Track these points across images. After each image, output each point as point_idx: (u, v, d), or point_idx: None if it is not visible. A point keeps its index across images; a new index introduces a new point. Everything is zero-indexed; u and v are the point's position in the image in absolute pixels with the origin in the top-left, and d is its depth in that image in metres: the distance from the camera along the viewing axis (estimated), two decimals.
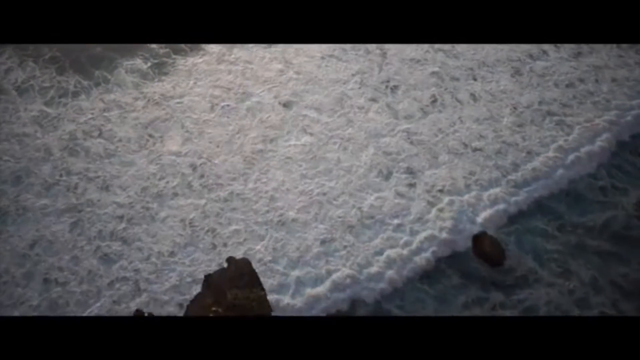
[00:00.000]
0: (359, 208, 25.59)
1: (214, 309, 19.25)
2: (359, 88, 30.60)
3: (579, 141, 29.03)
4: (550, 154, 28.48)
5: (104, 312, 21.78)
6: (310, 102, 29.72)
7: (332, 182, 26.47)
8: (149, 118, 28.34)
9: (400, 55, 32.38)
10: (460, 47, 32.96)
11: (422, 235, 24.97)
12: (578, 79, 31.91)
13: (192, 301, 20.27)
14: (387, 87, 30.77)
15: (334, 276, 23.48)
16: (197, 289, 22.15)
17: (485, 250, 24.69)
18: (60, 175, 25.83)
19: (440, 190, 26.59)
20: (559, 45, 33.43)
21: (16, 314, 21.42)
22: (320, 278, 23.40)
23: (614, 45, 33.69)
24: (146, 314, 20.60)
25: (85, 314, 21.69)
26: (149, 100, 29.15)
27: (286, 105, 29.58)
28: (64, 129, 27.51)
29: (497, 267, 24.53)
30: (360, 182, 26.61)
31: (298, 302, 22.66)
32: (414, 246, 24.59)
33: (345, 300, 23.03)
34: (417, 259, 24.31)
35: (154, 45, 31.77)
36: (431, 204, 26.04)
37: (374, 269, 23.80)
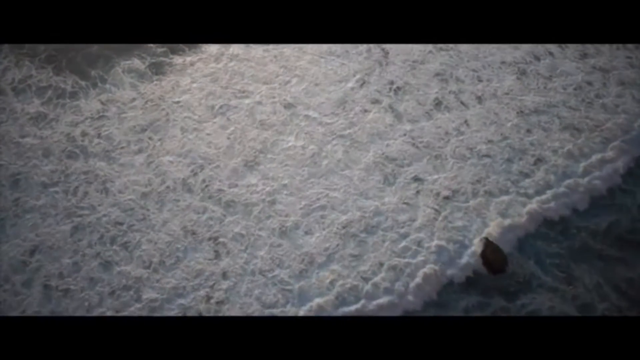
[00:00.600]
0: (363, 215, 25.68)
1: None
2: (361, 89, 30.69)
3: (590, 147, 29.01)
4: (560, 161, 28.41)
5: None
6: (311, 104, 29.86)
7: (334, 188, 26.61)
8: (148, 120, 28.57)
9: (403, 56, 32.45)
10: (464, 48, 33.02)
11: (428, 244, 25.05)
12: (585, 82, 31.86)
13: None
14: (390, 88, 30.83)
15: (338, 286, 23.64)
16: (198, 296, 22.67)
17: (487, 258, 24.77)
18: (59, 179, 26.07)
19: (447, 198, 26.65)
20: (564, 46, 33.51)
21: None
22: (324, 288, 23.56)
23: (621, 46, 33.80)
24: None
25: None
26: (147, 101, 29.36)
27: (286, 106, 29.69)
28: (62, 131, 27.76)
29: (500, 274, 24.63)
30: (363, 187, 26.70)
31: (302, 313, 22.82)
32: (420, 257, 24.63)
33: (351, 313, 23.10)
34: (423, 270, 24.32)
35: (151, 45, 31.97)
36: (437, 212, 26.09)
37: (378, 280, 23.88)
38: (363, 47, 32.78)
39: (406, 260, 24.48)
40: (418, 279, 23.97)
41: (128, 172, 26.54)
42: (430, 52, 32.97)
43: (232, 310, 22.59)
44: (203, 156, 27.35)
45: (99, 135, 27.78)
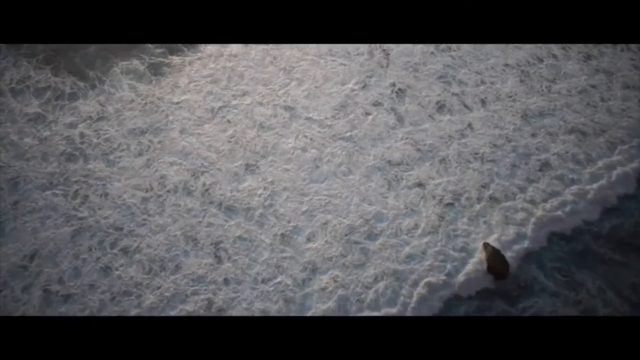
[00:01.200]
0: (366, 221, 25.90)
1: None
2: (362, 92, 30.84)
3: (597, 152, 29.16)
4: (569, 164, 28.56)
5: None
6: (311, 106, 30.05)
7: (336, 193, 26.85)
8: (147, 121, 28.81)
9: (404, 58, 32.61)
10: (467, 50, 33.15)
11: (432, 250, 25.26)
12: (590, 85, 32.00)
13: None
14: (392, 90, 30.99)
15: (341, 295, 23.86)
16: (199, 302, 23.04)
17: (489, 263, 24.94)
18: (59, 182, 26.34)
19: (450, 204, 26.83)
20: (567, 48, 33.66)
21: None
22: (325, 297, 23.78)
23: (625, 48, 33.98)
24: None
25: None
26: (146, 103, 29.56)
27: (286, 109, 29.88)
28: (61, 133, 28.02)
29: (501, 280, 24.85)
30: (365, 192, 26.90)
31: None
32: (423, 265, 24.80)
33: None
34: (427, 280, 24.46)
35: (149, 45, 32.11)
36: (441, 218, 26.27)
37: (381, 289, 24.10)
38: (364, 48, 32.87)
39: (410, 267, 24.72)
40: (421, 289, 24.22)
41: (128, 175, 26.80)
42: (432, 53, 33.09)
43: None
44: (203, 159, 27.56)
45: (98, 138, 28.01)
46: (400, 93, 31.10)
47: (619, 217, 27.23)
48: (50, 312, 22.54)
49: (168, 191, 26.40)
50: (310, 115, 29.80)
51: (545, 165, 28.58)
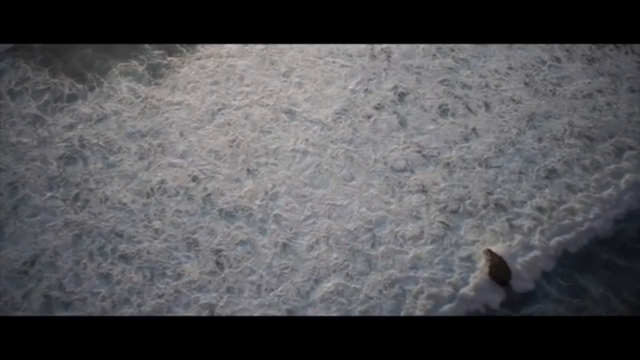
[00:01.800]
0: (369, 229, 26.09)
1: None
2: (364, 94, 30.87)
3: (605, 158, 29.22)
4: (576, 170, 28.63)
5: None
6: (312, 109, 30.12)
7: (338, 199, 27.00)
8: (147, 124, 28.95)
9: (406, 60, 32.62)
10: (469, 53, 33.14)
11: (437, 259, 25.43)
12: (595, 90, 31.98)
13: None
14: (394, 93, 31.03)
15: (344, 305, 24.04)
16: (201, 312, 23.30)
17: (491, 270, 25.12)
18: (59, 187, 26.53)
19: (455, 211, 26.95)
20: (570, 51, 33.67)
21: None
22: (330, 308, 23.99)
23: (629, 51, 34.01)
24: None
25: None
26: (145, 106, 29.67)
27: (287, 112, 29.95)
28: (61, 136, 28.18)
29: (504, 287, 25.01)
30: (368, 199, 27.04)
31: None
32: (428, 276, 24.91)
33: None
34: (431, 291, 24.59)
35: (147, 46, 32.11)
36: (445, 226, 26.41)
37: (385, 300, 24.26)
38: (365, 50, 32.87)
39: (413, 277, 24.90)
40: (425, 301, 24.37)
41: (128, 179, 27.01)
42: (434, 55, 33.05)
43: None
44: (204, 163, 27.75)
45: (97, 140, 28.19)
46: (403, 96, 31.12)
47: (622, 221, 27.32)
48: None
49: (169, 196, 26.60)
50: (311, 118, 29.87)
51: (551, 172, 28.66)
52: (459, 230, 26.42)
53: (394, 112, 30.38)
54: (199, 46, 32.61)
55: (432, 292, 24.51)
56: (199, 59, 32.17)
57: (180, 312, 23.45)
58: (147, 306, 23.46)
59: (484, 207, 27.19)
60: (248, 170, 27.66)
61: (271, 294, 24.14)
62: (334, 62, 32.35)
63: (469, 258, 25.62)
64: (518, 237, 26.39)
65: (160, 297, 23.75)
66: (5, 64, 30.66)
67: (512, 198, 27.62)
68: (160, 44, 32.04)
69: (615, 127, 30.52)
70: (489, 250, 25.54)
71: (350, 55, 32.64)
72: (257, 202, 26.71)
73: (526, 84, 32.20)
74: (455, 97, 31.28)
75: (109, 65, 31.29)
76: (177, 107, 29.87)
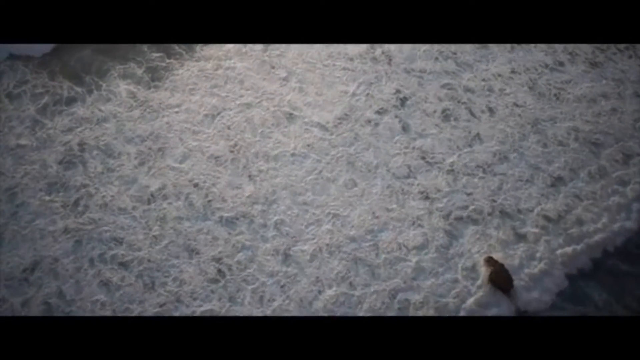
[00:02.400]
0: (371, 238, 26.14)
1: None
2: (365, 99, 30.90)
3: (611, 164, 29.25)
4: (582, 177, 28.65)
5: None
6: (313, 114, 30.14)
7: (340, 206, 27.03)
8: (148, 130, 28.97)
9: (408, 64, 32.70)
10: (471, 57, 33.27)
11: (440, 269, 25.51)
12: (600, 94, 32.09)
13: None
14: (396, 98, 31.06)
15: (346, 314, 24.01)
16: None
17: (492, 278, 25.18)
18: (58, 192, 26.58)
19: (459, 218, 26.99)
20: (574, 54, 33.84)
21: None
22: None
23: (632, 55, 34.21)
24: None
25: None
26: (145, 110, 29.71)
27: (288, 115, 30.00)
28: (60, 140, 28.19)
29: (506, 294, 25.06)
30: (370, 205, 27.08)
31: None
32: (432, 286, 24.98)
33: None
34: (435, 304, 24.61)
35: (146, 49, 32.17)
36: (450, 235, 26.50)
37: (387, 311, 24.29)
38: (366, 54, 32.96)
39: (416, 287, 25.01)
40: (428, 311, 24.44)
41: (128, 185, 27.06)
42: (436, 59, 33.13)
43: None
44: (204, 168, 27.82)
45: (97, 145, 28.22)
46: (404, 100, 31.19)
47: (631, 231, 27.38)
48: None
49: (169, 202, 26.66)
50: (312, 122, 29.93)
51: (557, 179, 28.75)
52: (463, 239, 26.46)
53: (396, 117, 30.41)
54: (198, 49, 32.67)
55: (437, 304, 24.61)
56: (198, 61, 32.20)
57: None
58: (148, 314, 23.52)
59: (489, 214, 27.25)
60: (249, 176, 27.71)
61: (274, 303, 24.19)
62: (334, 66, 32.41)
63: (473, 268, 25.70)
64: (524, 246, 26.51)
65: (161, 306, 23.84)
66: (4, 66, 30.62)
67: (517, 206, 27.63)
68: (159, 44, 32.15)
69: (621, 133, 30.62)
70: (490, 257, 25.63)
71: (351, 59, 32.68)
72: (258, 208, 26.76)
73: (530, 88, 32.29)
74: (458, 101, 31.33)
75: (107, 68, 31.29)
76: (176, 110, 29.90)
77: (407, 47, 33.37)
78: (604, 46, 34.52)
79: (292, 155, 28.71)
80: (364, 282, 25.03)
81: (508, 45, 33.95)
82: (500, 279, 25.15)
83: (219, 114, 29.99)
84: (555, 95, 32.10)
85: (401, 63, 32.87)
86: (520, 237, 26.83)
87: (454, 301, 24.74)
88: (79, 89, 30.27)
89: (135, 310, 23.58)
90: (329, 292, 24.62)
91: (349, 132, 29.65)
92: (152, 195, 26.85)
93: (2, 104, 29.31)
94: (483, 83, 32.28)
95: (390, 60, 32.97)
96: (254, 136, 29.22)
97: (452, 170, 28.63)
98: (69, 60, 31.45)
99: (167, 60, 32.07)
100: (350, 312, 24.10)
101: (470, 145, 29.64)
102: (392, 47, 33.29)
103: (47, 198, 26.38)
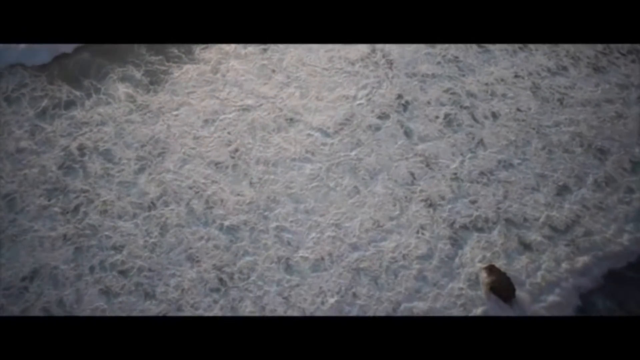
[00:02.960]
0: (375, 246, 26.14)
1: None
2: (367, 104, 30.88)
3: (619, 172, 29.18)
4: (589, 185, 28.58)
5: None
6: (314, 120, 30.10)
7: (342, 214, 27.02)
8: (148, 134, 28.95)
9: (410, 68, 32.65)
10: (474, 61, 33.25)
11: (444, 280, 25.53)
12: (604, 100, 32.03)
13: None
14: (399, 103, 31.03)
15: None
16: None
17: (494, 287, 25.20)
18: (58, 198, 26.54)
19: (463, 227, 26.94)
20: (576, 58, 33.83)
21: None
22: None
23: (636, 59, 34.18)
24: None
25: None
26: (145, 113, 29.69)
27: (288, 120, 29.96)
28: (60, 144, 28.17)
29: (509, 302, 25.07)
30: (373, 213, 27.06)
31: None
32: (436, 299, 24.98)
33: None
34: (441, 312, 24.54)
35: (144, 52, 32.16)
36: (454, 243, 26.48)
37: None
38: (369, 59, 32.92)
39: (420, 299, 24.98)
40: None
41: (128, 191, 27.05)
42: (438, 63, 33.13)
43: None
44: (205, 175, 27.82)
45: (97, 150, 28.20)
46: (407, 105, 31.17)
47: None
48: None
49: (171, 210, 26.63)
50: (313, 128, 29.90)
51: (563, 188, 28.71)
52: (467, 248, 26.46)
53: (398, 122, 30.39)
54: (197, 52, 32.64)
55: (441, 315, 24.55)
56: (197, 64, 32.18)
57: None
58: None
59: (494, 223, 27.24)
60: (250, 182, 27.71)
61: (275, 314, 24.19)
62: (335, 70, 32.39)
63: (477, 278, 25.65)
64: (529, 256, 26.51)
65: (162, 316, 23.80)
66: (2, 69, 30.59)
67: (523, 215, 27.61)
68: (159, 44, 32.18)
69: (626, 139, 30.62)
70: (492, 266, 25.62)
71: (352, 63, 32.65)
72: (259, 214, 26.78)
73: (533, 92, 32.28)
74: (461, 106, 31.31)
75: (106, 71, 31.26)
76: (176, 114, 29.90)
77: (408, 51, 33.36)
78: (607, 50, 34.53)
79: (293, 160, 28.69)
80: (367, 291, 25.03)
81: (510, 49, 33.96)
82: (502, 287, 25.14)
83: (218, 118, 29.95)
84: (558, 100, 32.05)
85: (403, 67, 32.79)
86: (526, 246, 26.78)
87: (458, 311, 24.72)
88: (77, 93, 30.22)
89: None
90: (332, 301, 24.67)
91: (350, 137, 29.63)
92: (152, 202, 26.85)
93: (0, 107, 29.28)
94: (486, 87, 32.23)
95: (392, 64, 32.92)
96: (254, 141, 29.19)
97: (456, 176, 28.59)
98: (67, 64, 31.40)
99: (166, 64, 32.03)
100: None
101: (473, 151, 29.63)
102: (394, 51, 33.28)
103: (47, 203, 26.37)
